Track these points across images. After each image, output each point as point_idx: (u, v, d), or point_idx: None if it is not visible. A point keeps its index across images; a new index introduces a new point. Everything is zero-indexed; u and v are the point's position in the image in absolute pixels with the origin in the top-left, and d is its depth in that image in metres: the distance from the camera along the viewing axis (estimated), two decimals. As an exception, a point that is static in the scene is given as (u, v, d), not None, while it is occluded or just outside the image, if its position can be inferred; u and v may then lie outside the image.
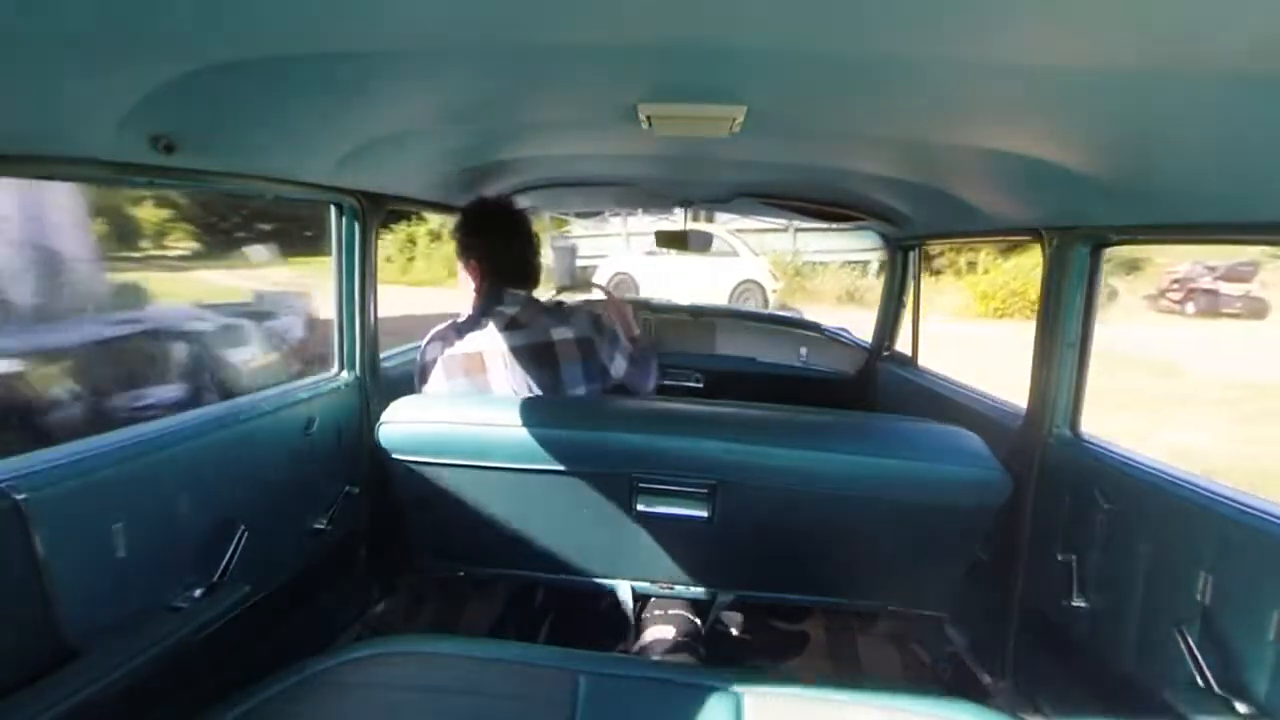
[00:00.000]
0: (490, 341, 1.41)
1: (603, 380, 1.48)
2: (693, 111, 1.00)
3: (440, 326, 1.50)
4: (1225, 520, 0.93)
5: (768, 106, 1.00)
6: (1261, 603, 0.86)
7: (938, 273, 10.68)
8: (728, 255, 10.45)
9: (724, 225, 10.21)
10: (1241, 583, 0.90)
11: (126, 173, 0.87)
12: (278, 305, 4.76)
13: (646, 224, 11.23)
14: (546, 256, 12.46)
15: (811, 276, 11.76)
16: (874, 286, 10.69)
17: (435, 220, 12.18)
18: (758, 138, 1.21)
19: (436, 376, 1.44)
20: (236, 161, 1.05)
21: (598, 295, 2.71)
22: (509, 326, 1.41)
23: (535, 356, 1.40)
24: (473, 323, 1.44)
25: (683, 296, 9.53)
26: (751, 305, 9.84)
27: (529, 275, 1.50)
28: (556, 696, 0.85)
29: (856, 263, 11.65)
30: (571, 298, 2.72)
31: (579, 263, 11.68)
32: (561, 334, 1.42)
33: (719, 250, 10.44)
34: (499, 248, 1.47)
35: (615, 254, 11.57)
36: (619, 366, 1.49)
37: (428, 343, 1.48)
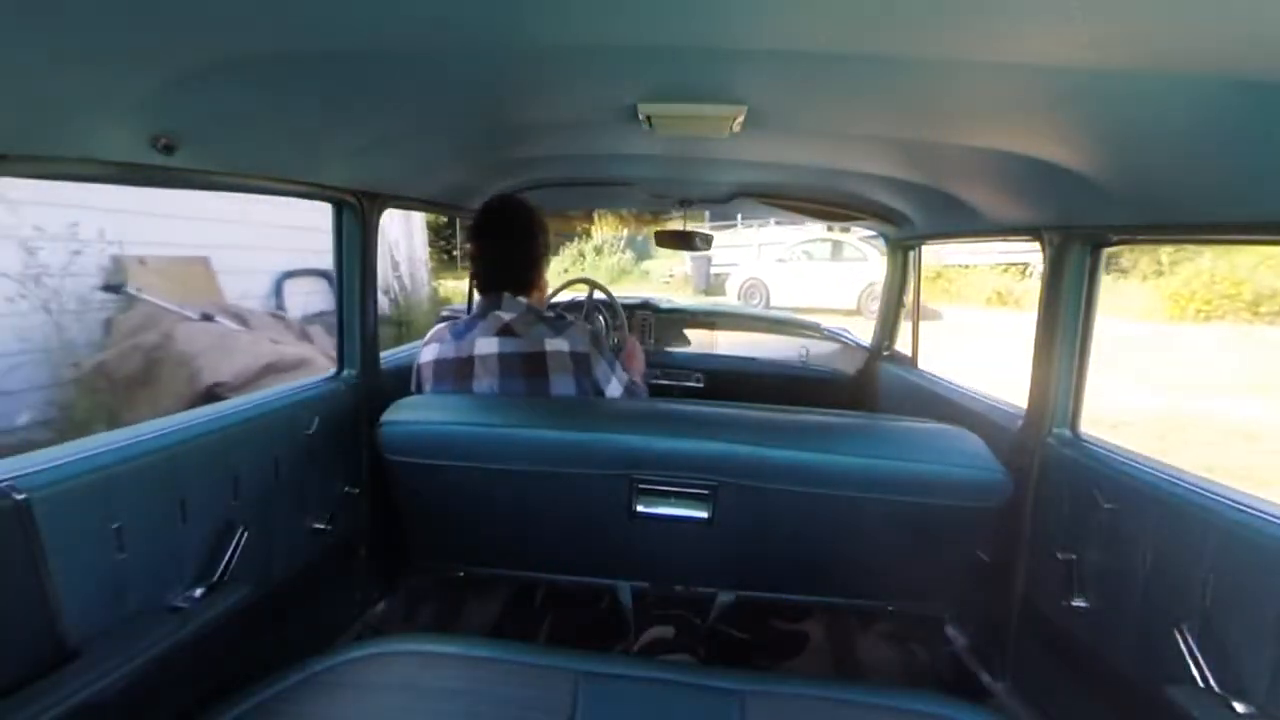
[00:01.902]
0: (482, 347, 1.40)
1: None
2: (693, 111, 1.00)
3: (439, 326, 1.50)
4: (1225, 520, 0.93)
5: (768, 106, 1.00)
6: (1261, 603, 0.86)
7: (1124, 272, 10.50)
8: (857, 261, 11.01)
9: (857, 234, 10.63)
10: (1241, 583, 0.90)
11: (126, 173, 0.87)
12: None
13: (777, 234, 12.54)
14: (685, 264, 13.10)
15: (955, 279, 11.82)
16: (1031, 292, 10.70)
17: (599, 236, 13.84)
18: (758, 138, 1.21)
19: (427, 379, 1.44)
20: (237, 161, 1.05)
21: (580, 297, 2.72)
22: (502, 332, 1.40)
23: (525, 366, 1.39)
24: (469, 326, 1.43)
25: (812, 298, 10.00)
26: (878, 304, 10.34)
27: (528, 282, 1.48)
28: (556, 696, 0.85)
29: (1014, 264, 11.72)
30: (569, 296, 2.73)
31: (713, 270, 12.74)
32: (555, 345, 1.39)
33: (849, 256, 11.17)
34: (498, 252, 1.46)
35: (746, 262, 12.32)
36: (614, 390, 1.46)
37: (425, 344, 1.48)
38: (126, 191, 3.62)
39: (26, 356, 3.42)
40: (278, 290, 5.41)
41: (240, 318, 3.91)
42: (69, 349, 3.50)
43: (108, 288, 3.80)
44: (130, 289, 3.80)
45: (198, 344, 3.38)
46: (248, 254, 5.05)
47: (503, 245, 1.46)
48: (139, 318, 3.67)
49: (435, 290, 7.41)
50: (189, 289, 4.27)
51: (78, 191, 3.48)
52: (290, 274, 5.42)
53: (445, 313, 3.03)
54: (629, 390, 1.50)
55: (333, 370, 1.51)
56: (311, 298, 5.60)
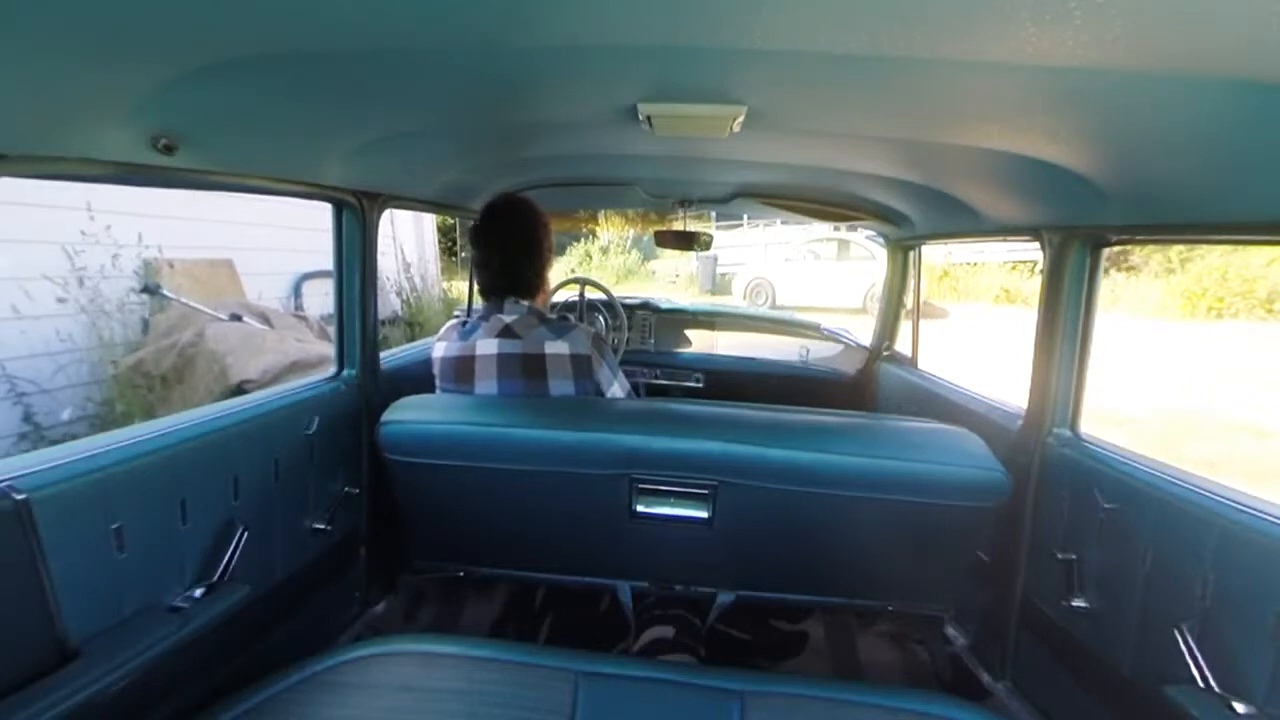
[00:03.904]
0: (483, 347, 1.41)
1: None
2: (693, 111, 1.00)
3: (450, 323, 1.51)
4: (1225, 520, 0.93)
5: (768, 106, 1.00)
6: (1261, 603, 0.86)
7: (1134, 269, 10.55)
8: (864, 260, 11.05)
9: (864, 233, 10.68)
10: (1241, 583, 0.90)
11: (126, 172, 0.87)
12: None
13: (784, 234, 12.61)
14: (691, 264, 13.17)
15: (963, 277, 11.94)
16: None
17: (604, 237, 13.90)
18: (758, 138, 1.21)
19: (437, 374, 1.46)
20: (237, 161, 1.05)
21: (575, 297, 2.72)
22: (503, 334, 1.41)
23: (524, 367, 1.39)
24: (474, 326, 1.44)
25: (818, 298, 10.15)
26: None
27: (533, 287, 1.48)
28: (556, 697, 0.85)
29: (1022, 261, 11.84)
30: (566, 296, 2.73)
31: (719, 270, 12.86)
32: (555, 348, 1.40)
33: (855, 255, 11.22)
34: (502, 260, 1.45)
35: (753, 261, 12.40)
36: (614, 395, 1.46)
37: (437, 339, 1.49)
38: (155, 196, 3.85)
39: (68, 356, 3.65)
40: (296, 291, 5.67)
41: (265, 318, 4.13)
42: (109, 348, 3.76)
43: (145, 290, 4.02)
44: (165, 291, 4.04)
45: (228, 342, 3.59)
46: (267, 256, 5.28)
47: (507, 253, 1.45)
48: (173, 318, 3.91)
49: (445, 292, 7.52)
50: (215, 290, 4.52)
51: (114, 197, 3.70)
52: (309, 275, 5.66)
53: (458, 313, 3.10)
54: (627, 395, 1.50)
55: (333, 370, 1.52)
56: (329, 299, 5.80)
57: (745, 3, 0.62)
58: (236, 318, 3.87)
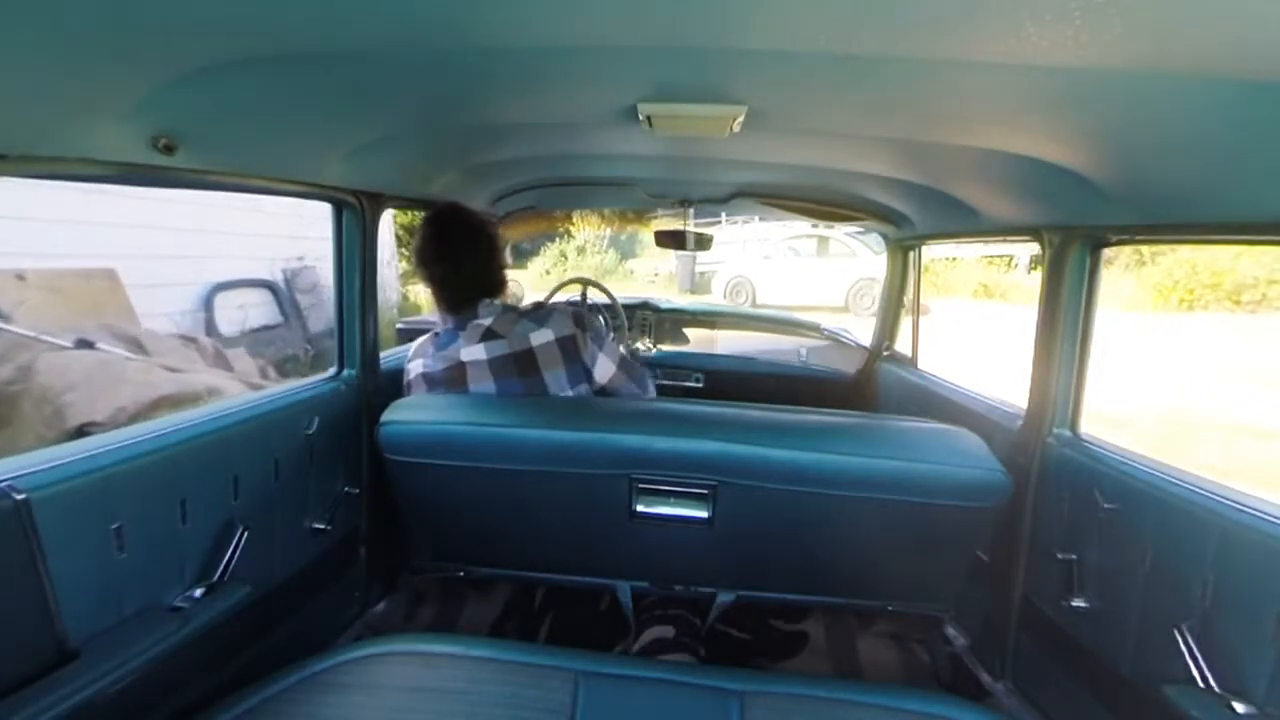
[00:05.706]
0: (468, 354, 1.40)
1: (588, 381, 1.44)
2: (693, 111, 1.00)
3: (420, 341, 1.49)
4: (1225, 520, 0.93)
5: (768, 107, 1.00)
6: (1261, 603, 0.87)
7: (1107, 262, 10.71)
8: (846, 257, 10.99)
9: (844, 230, 10.61)
10: (1241, 583, 0.90)
11: (126, 172, 0.87)
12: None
13: (762, 231, 12.40)
14: (670, 263, 12.99)
15: (941, 272, 11.95)
16: (1018, 284, 11.17)
17: (580, 236, 13.66)
18: (758, 138, 1.21)
19: (418, 391, 1.43)
20: (236, 161, 1.05)
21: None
22: (485, 337, 1.40)
23: (516, 365, 1.39)
24: (451, 336, 1.43)
25: (799, 296, 9.96)
26: (867, 301, 10.34)
27: (497, 286, 1.48)
28: (556, 696, 0.85)
29: (1000, 256, 11.91)
30: (565, 297, 2.73)
31: (698, 268, 12.65)
32: (542, 338, 1.39)
33: (837, 253, 11.13)
34: (468, 272, 1.44)
35: (733, 259, 12.22)
36: (604, 369, 1.44)
37: (409, 360, 1.48)
38: (16, 193, 3.17)
39: None
40: (208, 305, 4.83)
41: (136, 342, 3.34)
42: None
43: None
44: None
45: (68, 377, 2.89)
46: (173, 264, 4.52)
47: (471, 260, 1.44)
48: (-5, 347, 3.04)
49: (404, 296, 7.02)
50: (90, 306, 3.70)
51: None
52: (222, 286, 4.85)
53: (401, 326, 2.89)
54: (624, 366, 1.47)
55: (333, 370, 1.52)
56: (252, 311, 5.19)
57: (745, 3, 0.62)
58: (86, 344, 3.09)
